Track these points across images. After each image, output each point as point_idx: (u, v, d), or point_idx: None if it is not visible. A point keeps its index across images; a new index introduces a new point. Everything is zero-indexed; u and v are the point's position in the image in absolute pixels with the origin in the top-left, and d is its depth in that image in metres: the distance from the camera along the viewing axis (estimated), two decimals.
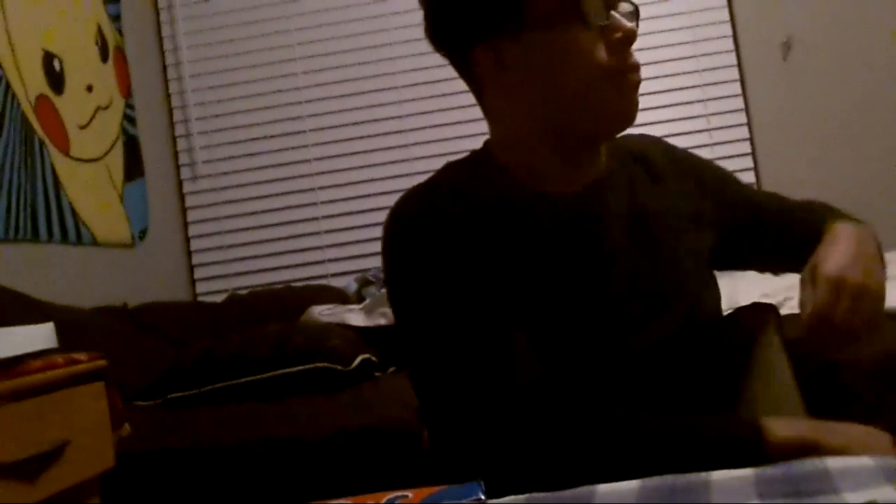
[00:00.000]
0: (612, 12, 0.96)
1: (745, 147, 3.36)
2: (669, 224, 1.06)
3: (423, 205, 0.98)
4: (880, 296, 0.97)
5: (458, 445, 0.92)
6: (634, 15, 1.00)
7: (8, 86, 2.34)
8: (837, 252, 0.98)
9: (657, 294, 1.01)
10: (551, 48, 0.95)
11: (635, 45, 0.99)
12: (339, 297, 2.94)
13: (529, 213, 0.99)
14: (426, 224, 0.95)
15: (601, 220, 1.01)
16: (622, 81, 0.97)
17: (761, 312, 1.11)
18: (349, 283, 3.13)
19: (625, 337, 0.98)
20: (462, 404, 0.91)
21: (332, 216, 3.45)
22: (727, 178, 1.18)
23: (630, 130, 1.09)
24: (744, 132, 3.37)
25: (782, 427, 0.86)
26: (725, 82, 3.40)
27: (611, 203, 1.03)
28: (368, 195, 3.39)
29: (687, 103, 3.39)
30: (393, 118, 3.45)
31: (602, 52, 0.95)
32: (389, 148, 3.45)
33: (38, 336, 1.34)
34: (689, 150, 1.19)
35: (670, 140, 1.19)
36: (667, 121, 3.34)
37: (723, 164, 1.22)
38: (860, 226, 1.06)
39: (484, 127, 1.05)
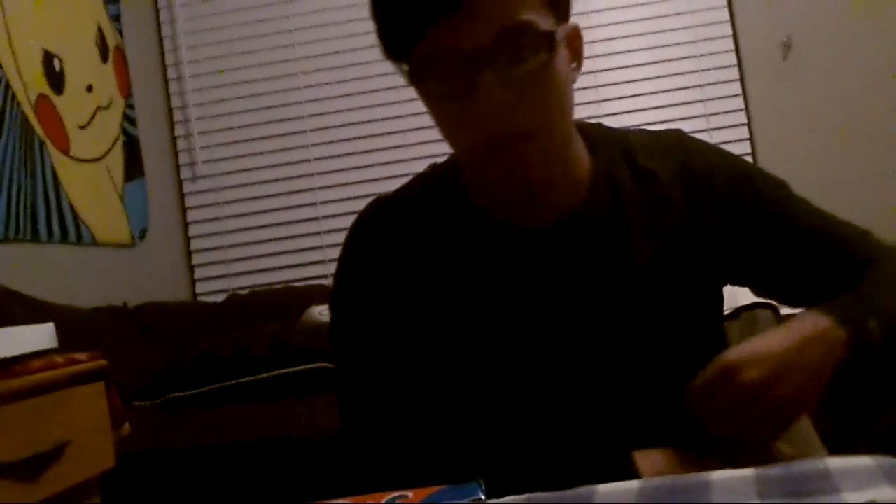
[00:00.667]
0: (484, 77, 0.79)
1: (746, 147, 3.36)
2: (655, 274, 0.90)
3: (381, 217, 0.98)
4: (783, 406, 0.81)
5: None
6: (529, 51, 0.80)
7: (8, 86, 2.34)
8: (760, 344, 0.83)
9: (610, 346, 0.90)
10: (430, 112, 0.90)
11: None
12: None
13: (478, 242, 0.92)
14: (376, 237, 0.96)
15: (552, 264, 0.90)
16: (486, 159, 0.85)
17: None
18: None
19: (548, 381, 0.90)
20: (343, 411, 0.96)
21: (332, 216, 3.45)
22: (767, 212, 0.95)
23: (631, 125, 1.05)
24: (744, 132, 3.37)
25: (653, 462, 0.82)
26: (725, 82, 3.40)
27: (575, 245, 0.90)
28: (368, 195, 3.35)
29: (687, 103, 3.39)
30: (393, 118, 3.45)
31: (469, 124, 0.83)
32: (389, 148, 3.45)
33: (38, 336, 1.34)
34: (733, 163, 0.98)
35: None
36: (667, 121, 3.33)
37: None
38: (834, 328, 0.84)
39: None
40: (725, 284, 0.99)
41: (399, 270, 0.93)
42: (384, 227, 0.96)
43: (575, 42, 0.89)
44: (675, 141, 0.98)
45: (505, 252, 0.91)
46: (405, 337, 0.93)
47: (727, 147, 1.02)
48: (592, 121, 1.02)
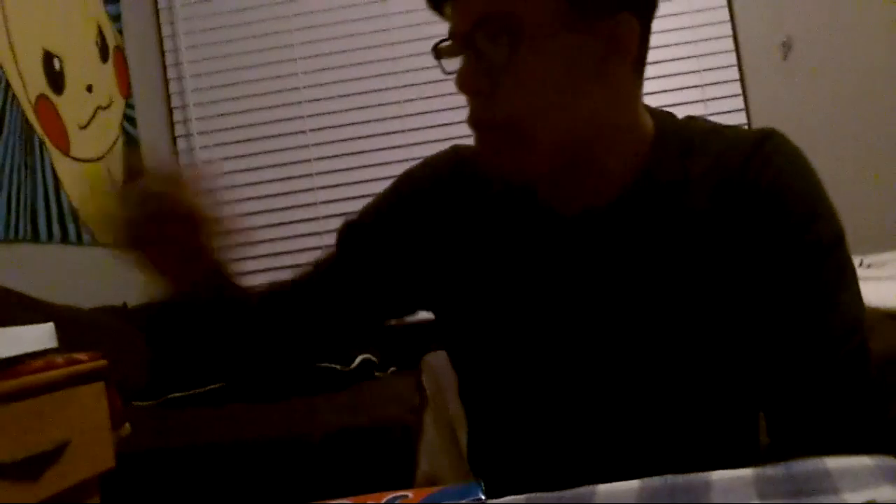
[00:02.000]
0: (462, 63, 0.84)
1: None
2: (675, 285, 0.86)
3: (447, 167, 0.99)
4: None
5: None
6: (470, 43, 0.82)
7: (8, 86, 2.34)
8: None
9: (625, 351, 0.87)
10: None
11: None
12: None
13: (512, 218, 0.93)
14: (435, 181, 0.99)
15: (574, 254, 0.89)
16: (477, 142, 0.88)
17: None
18: None
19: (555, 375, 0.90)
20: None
21: (332, 216, 3.45)
22: (782, 260, 0.83)
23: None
24: None
25: None
26: (725, 82, 3.41)
27: (596, 241, 0.88)
28: (368, 195, 3.36)
29: (687, 103, 3.39)
30: (393, 118, 3.45)
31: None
32: (390, 148, 3.45)
33: (38, 336, 1.34)
34: (800, 196, 0.88)
35: None
36: None
37: None
38: None
39: None
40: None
41: (439, 217, 0.98)
42: (448, 175, 0.99)
43: (622, 35, 0.91)
44: (753, 143, 0.90)
45: (533, 233, 0.92)
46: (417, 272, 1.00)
47: None
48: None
